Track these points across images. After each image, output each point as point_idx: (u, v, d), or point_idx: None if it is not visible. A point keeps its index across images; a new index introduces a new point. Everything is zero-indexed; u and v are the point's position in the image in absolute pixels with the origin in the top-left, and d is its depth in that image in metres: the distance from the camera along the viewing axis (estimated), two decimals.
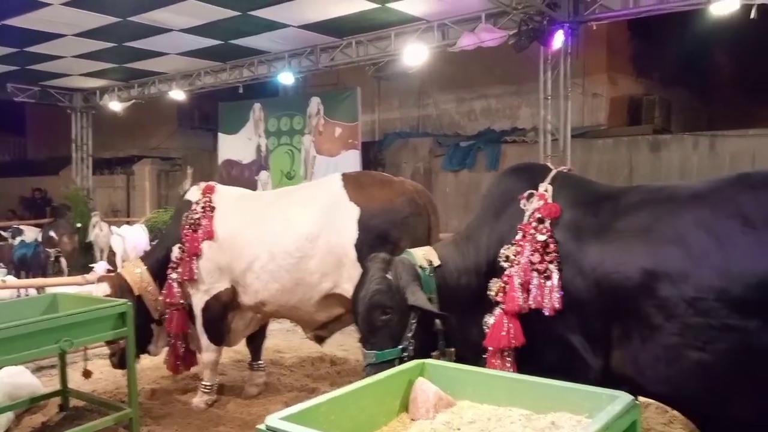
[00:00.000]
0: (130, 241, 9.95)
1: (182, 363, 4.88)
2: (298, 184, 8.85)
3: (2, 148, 22.99)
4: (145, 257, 5.06)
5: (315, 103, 11.21)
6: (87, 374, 4.43)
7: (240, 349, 5.47)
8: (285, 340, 6.66)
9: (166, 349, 4.95)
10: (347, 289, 3.95)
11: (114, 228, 10.76)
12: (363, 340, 3.12)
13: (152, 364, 5.26)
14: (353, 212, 4.29)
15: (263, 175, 11.96)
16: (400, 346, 2.98)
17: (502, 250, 3.06)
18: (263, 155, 12.03)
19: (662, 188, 2.95)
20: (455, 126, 12.12)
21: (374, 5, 8.07)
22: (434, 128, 12.28)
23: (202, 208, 4.71)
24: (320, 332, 4.67)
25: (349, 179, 4.51)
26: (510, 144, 10.86)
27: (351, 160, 10.46)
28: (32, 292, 6.11)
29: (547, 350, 2.96)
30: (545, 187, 3.09)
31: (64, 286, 6.06)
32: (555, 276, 2.88)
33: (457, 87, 12.09)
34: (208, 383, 4.82)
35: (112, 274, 4.89)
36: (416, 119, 12.60)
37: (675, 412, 3.23)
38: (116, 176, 17.24)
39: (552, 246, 2.93)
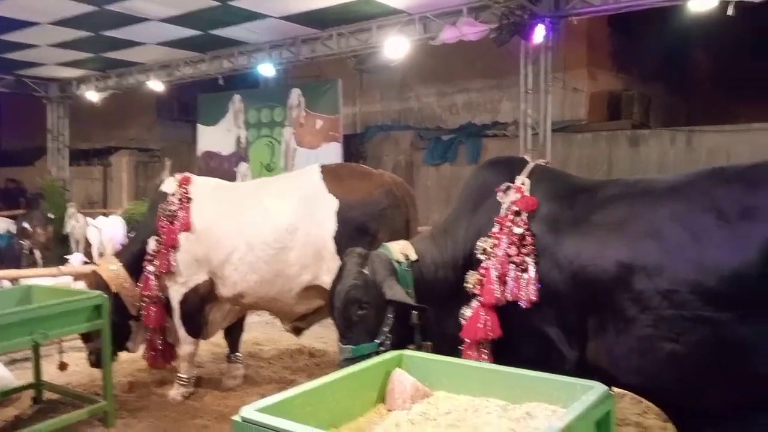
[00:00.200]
0: (106, 232, 9.82)
1: (161, 357, 4.84)
2: (276, 176, 8.80)
3: None
4: (120, 253, 4.99)
5: (296, 95, 11.13)
6: (62, 367, 4.38)
7: (218, 341, 5.43)
8: (264, 332, 6.64)
9: (145, 344, 4.90)
10: (326, 281, 3.94)
11: (90, 220, 10.62)
12: (339, 335, 3.13)
13: (129, 357, 5.21)
14: (332, 204, 4.27)
15: (243, 167, 11.86)
16: (377, 341, 2.98)
17: (479, 243, 3.07)
18: (243, 147, 11.93)
19: (638, 182, 2.98)
20: (437, 119, 12.12)
21: None
22: (416, 121, 12.28)
23: (179, 199, 4.65)
24: (298, 324, 4.66)
25: (327, 171, 4.50)
26: (491, 138, 10.90)
27: (332, 153, 10.41)
28: (6, 284, 6.01)
29: (524, 342, 2.99)
30: (522, 180, 3.11)
31: (38, 278, 5.97)
32: (531, 269, 2.90)
33: (439, 80, 12.10)
34: (184, 376, 4.78)
35: (89, 272, 4.81)
36: (398, 112, 12.59)
37: (649, 403, 3.27)
38: (93, 167, 17.00)
39: (529, 239, 2.95)
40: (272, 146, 11.45)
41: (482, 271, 3.03)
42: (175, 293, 4.63)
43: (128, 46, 10.47)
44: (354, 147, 12.01)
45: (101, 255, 9.74)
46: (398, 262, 3.17)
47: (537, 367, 2.51)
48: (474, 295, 3.05)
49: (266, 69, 10.37)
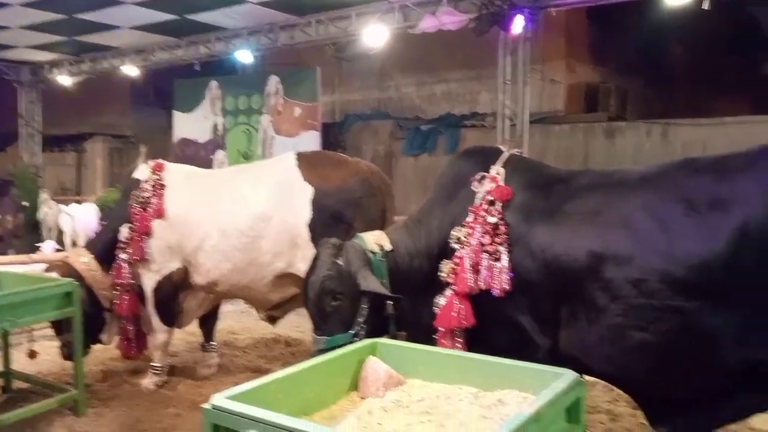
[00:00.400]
0: (80, 220, 9.67)
1: (134, 346, 4.78)
2: (251, 163, 8.71)
3: None
4: (91, 244, 4.89)
5: (274, 83, 11.02)
6: (32, 355, 4.30)
7: (193, 330, 5.39)
8: (239, 321, 6.60)
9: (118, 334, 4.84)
10: (301, 269, 3.91)
11: (63, 207, 10.44)
12: (314, 326, 3.13)
13: (101, 346, 5.14)
14: (307, 192, 4.25)
15: (220, 155, 11.73)
16: (351, 331, 2.98)
17: (453, 232, 3.08)
18: (220, 134, 11.80)
19: (611, 172, 3.01)
20: (416, 109, 12.10)
21: None
22: (395, 111, 12.24)
23: (153, 186, 4.59)
24: (273, 312, 4.64)
25: (302, 158, 4.47)
26: (470, 128, 10.92)
27: (310, 141, 10.34)
28: None
29: (497, 330, 3.01)
30: (497, 170, 3.12)
31: (8, 265, 5.85)
32: (505, 258, 2.91)
33: (418, 70, 12.06)
34: (158, 364, 4.73)
35: (60, 263, 4.72)
36: (377, 101, 12.53)
37: (621, 391, 3.32)
38: (66, 154, 16.69)
39: (502, 228, 2.96)
40: (250, 134, 11.34)
41: (456, 260, 3.04)
42: (149, 281, 4.57)
43: (102, 30, 10.27)
44: (333, 136, 11.94)
45: (74, 243, 9.60)
46: (373, 252, 3.17)
47: (510, 355, 2.53)
48: (448, 284, 3.06)
49: (244, 55, 10.25)
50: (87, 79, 12.66)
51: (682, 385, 2.71)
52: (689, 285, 2.51)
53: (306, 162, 4.44)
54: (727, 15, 10.12)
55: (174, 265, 4.54)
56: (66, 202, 11.26)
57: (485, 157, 3.22)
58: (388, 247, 3.23)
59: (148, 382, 4.69)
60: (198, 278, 4.53)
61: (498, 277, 2.92)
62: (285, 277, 4.33)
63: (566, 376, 2.23)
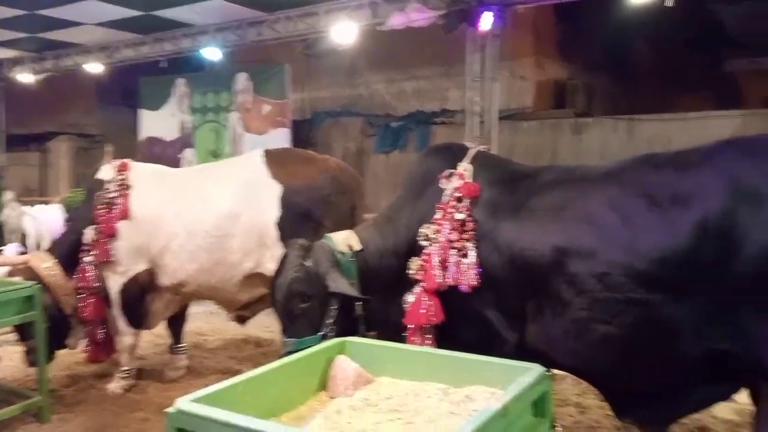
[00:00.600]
0: (44, 222, 9.43)
1: (102, 350, 4.68)
2: (218, 161, 8.62)
3: None
4: (54, 248, 4.76)
5: (242, 80, 10.90)
6: None
7: (160, 332, 5.31)
8: (208, 322, 6.52)
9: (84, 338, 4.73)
10: (269, 268, 3.88)
11: (27, 208, 10.17)
12: (282, 328, 3.11)
13: (67, 350, 5.03)
14: (275, 190, 4.21)
15: (188, 154, 11.57)
16: (320, 333, 2.97)
17: (421, 229, 3.09)
18: (188, 133, 11.63)
19: (575, 168, 3.05)
20: (386, 106, 12.09)
21: None
22: (365, 108, 12.21)
23: (118, 186, 4.50)
24: (243, 313, 4.60)
25: (270, 156, 4.43)
26: (440, 125, 10.96)
27: (280, 139, 10.26)
28: None
29: (466, 326, 3.02)
30: (465, 167, 3.13)
31: None
32: (472, 253, 2.93)
33: (388, 67, 12.05)
34: (125, 368, 4.65)
35: (23, 266, 4.59)
36: (347, 98, 12.47)
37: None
38: (30, 154, 16.27)
39: (470, 224, 2.98)
40: (218, 132, 11.21)
41: (425, 257, 3.05)
42: (114, 283, 4.48)
43: (66, 26, 10.03)
44: (303, 133, 11.87)
45: (39, 246, 9.36)
46: (341, 252, 3.16)
47: (479, 350, 2.54)
48: (417, 281, 3.07)
49: (211, 52, 10.11)
50: (51, 76, 12.36)
51: (645, 377, 2.76)
52: (651, 278, 2.56)
53: (274, 159, 4.40)
54: (690, 13, 10.32)
55: (140, 266, 4.46)
56: (31, 203, 10.98)
57: (452, 155, 3.23)
58: (357, 246, 3.23)
59: (114, 386, 4.60)
60: (165, 279, 4.46)
61: (466, 273, 2.93)
62: (254, 277, 4.29)
63: (533, 370, 2.25)
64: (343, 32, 8.73)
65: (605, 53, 11.91)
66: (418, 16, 7.93)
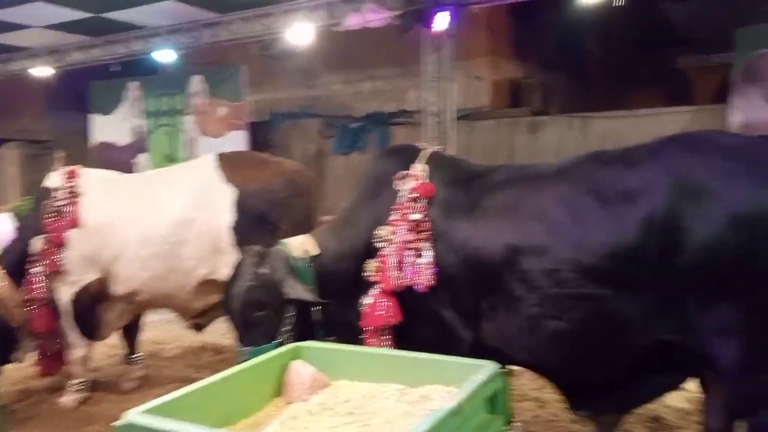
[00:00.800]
0: None
1: (53, 363, 4.53)
2: (171, 166, 8.47)
3: None
4: (1, 258, 4.55)
5: (197, 82, 10.74)
6: None
7: (115, 342, 5.17)
8: (165, 330, 6.37)
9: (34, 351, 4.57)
10: (225, 274, 3.82)
11: None
12: (238, 337, 3.08)
13: (18, 364, 4.86)
14: (229, 194, 4.15)
15: (142, 159, 11.33)
16: (277, 341, 2.95)
17: (377, 231, 3.08)
18: (142, 137, 11.40)
19: (527, 167, 3.09)
20: (345, 107, 12.05)
21: None
22: (324, 109, 12.15)
23: (67, 194, 4.36)
24: (199, 320, 4.52)
25: (224, 159, 4.37)
26: (399, 126, 10.98)
27: (237, 142, 10.13)
28: None
29: (423, 326, 3.03)
30: (420, 167, 3.14)
31: None
32: (428, 254, 2.94)
33: (346, 67, 12.01)
34: (78, 380, 4.52)
35: None
36: (305, 99, 12.38)
37: None
38: None
39: (426, 224, 2.99)
40: (173, 136, 11.01)
41: (381, 258, 3.04)
42: (65, 294, 4.34)
43: (13, 29, 9.71)
44: (261, 135, 11.73)
45: None
46: (298, 258, 3.14)
47: (436, 350, 2.56)
48: (374, 283, 3.06)
49: (165, 54, 9.92)
50: None
51: (597, 370, 2.81)
52: (600, 274, 2.60)
53: (228, 163, 4.34)
54: (641, 12, 10.58)
55: (91, 275, 4.33)
56: None
57: (407, 156, 3.24)
58: (314, 251, 3.21)
59: (67, 399, 4.47)
60: (117, 288, 4.34)
61: (422, 273, 2.94)
62: (208, 284, 4.22)
63: (487, 368, 2.28)
64: (300, 33, 8.68)
65: (560, 52, 12.13)
66: (374, 17, 7.93)
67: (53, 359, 4.51)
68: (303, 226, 3.73)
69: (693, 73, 12.40)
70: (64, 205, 4.32)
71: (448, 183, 3.10)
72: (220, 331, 5.56)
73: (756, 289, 2.45)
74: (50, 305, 4.37)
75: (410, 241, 2.99)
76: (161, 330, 6.35)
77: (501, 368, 2.33)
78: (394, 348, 2.98)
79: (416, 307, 2.98)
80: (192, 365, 5.29)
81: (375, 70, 11.75)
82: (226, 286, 3.16)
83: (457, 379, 2.26)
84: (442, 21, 7.68)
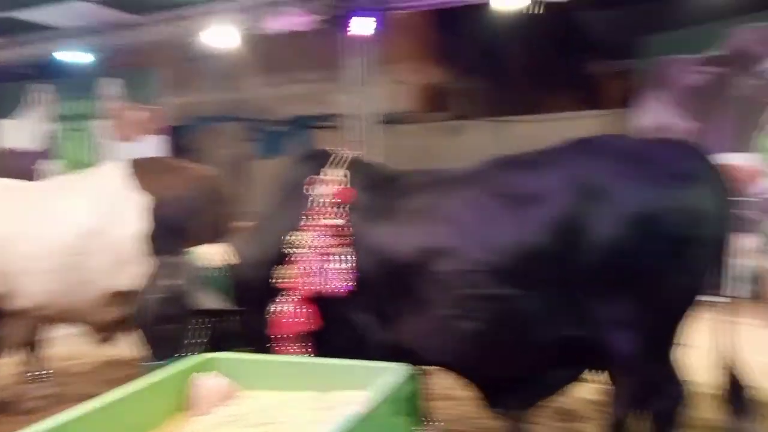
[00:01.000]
0: None
1: None
2: (77, 173, 8.12)
3: None
4: None
5: (111, 85, 10.34)
6: None
7: (21, 359, 4.88)
8: (73, 345, 6.06)
9: None
10: (136, 285, 3.68)
11: None
12: (149, 351, 2.99)
13: None
14: (140, 202, 4.00)
15: (50, 165, 10.79)
16: (188, 353, 2.87)
17: (294, 237, 3.05)
18: (52, 143, 10.85)
19: (439, 171, 3.16)
20: (267, 111, 11.90)
21: None
22: (247, 113, 11.96)
23: None
24: (108, 334, 4.33)
25: (136, 166, 4.21)
26: (322, 130, 10.94)
27: (154, 146, 9.82)
28: None
29: (341, 331, 3.02)
30: (337, 172, 3.14)
31: None
32: (345, 258, 2.94)
33: (270, 71, 11.85)
34: None
35: None
36: (228, 103, 12.14)
37: None
38: None
39: (343, 229, 2.99)
40: (86, 141, 10.54)
41: (299, 264, 3.02)
42: None
43: None
44: (181, 140, 11.41)
45: None
46: (212, 267, 3.07)
47: (354, 354, 2.56)
48: (290, 290, 3.03)
49: (78, 57, 9.49)
50: None
51: (508, 367, 2.91)
52: (509, 274, 2.70)
53: (140, 169, 4.19)
54: (558, 20, 10.97)
55: None
56: None
57: (323, 160, 3.23)
58: (229, 259, 3.14)
59: None
60: (19, 302, 4.10)
61: (340, 278, 2.94)
62: (118, 296, 4.04)
63: (398, 370, 2.29)
64: (222, 36, 8.50)
65: (483, 57, 12.41)
66: (298, 20, 7.88)
67: None
68: (219, 235, 3.65)
69: (605, 78, 12.97)
70: None
71: (365, 187, 3.12)
72: (130, 345, 5.38)
73: (649, 284, 2.60)
74: None
75: (329, 246, 2.98)
76: (68, 345, 6.04)
77: (413, 370, 2.35)
78: (314, 355, 2.97)
79: (334, 312, 2.97)
80: (103, 381, 5.04)
81: (299, 74, 11.66)
82: (137, 298, 3.06)
83: (368, 384, 2.27)
84: (365, 26, 7.71)
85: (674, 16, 8.04)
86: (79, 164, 10.47)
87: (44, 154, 10.89)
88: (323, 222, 2.98)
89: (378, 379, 2.23)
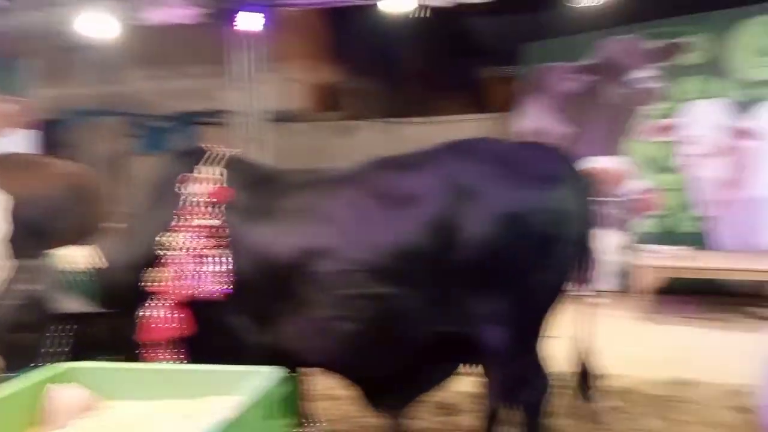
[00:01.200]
0: None
1: None
2: None
3: None
4: None
5: None
6: None
7: None
8: None
9: None
10: None
11: None
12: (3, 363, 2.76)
13: None
14: None
15: None
16: (46, 363, 2.68)
17: (166, 238, 2.92)
18: None
19: (319, 171, 3.14)
20: (150, 106, 11.38)
21: None
22: (128, 107, 11.37)
23: None
24: None
25: None
26: (210, 127, 10.63)
27: (23, 141, 9.08)
28: None
29: (216, 336, 2.94)
30: (213, 170, 3.04)
31: None
32: (221, 260, 2.86)
33: (155, 64, 11.32)
34: None
35: None
36: (108, 96, 11.47)
37: None
38: None
39: (219, 230, 2.90)
40: None
41: (171, 267, 2.89)
42: None
43: None
44: (54, 135, 10.65)
45: None
46: (77, 271, 2.88)
47: (231, 359, 2.47)
48: (162, 294, 2.90)
49: None
50: None
51: (386, 365, 2.95)
52: (387, 273, 2.73)
53: None
54: (448, 24, 11.29)
55: None
56: None
57: (198, 158, 3.11)
58: (97, 262, 2.96)
59: None
60: None
61: (216, 280, 2.85)
62: None
63: (271, 374, 2.26)
64: (99, 25, 8.02)
65: (376, 58, 12.54)
66: (181, 13, 7.58)
67: None
68: (87, 236, 3.43)
69: (492, 83, 13.52)
70: None
71: (244, 186, 3.04)
72: None
73: (517, 281, 2.73)
74: None
75: (204, 248, 2.88)
76: None
77: (287, 373, 2.32)
78: (186, 362, 2.87)
79: (209, 317, 2.88)
80: None
81: (185, 68, 11.24)
82: None
83: (239, 389, 2.22)
84: (253, 21, 7.56)
85: (553, 25, 8.51)
86: None
87: None
88: (197, 222, 2.88)
89: (249, 383, 2.18)
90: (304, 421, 3.30)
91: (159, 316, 2.85)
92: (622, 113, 8.01)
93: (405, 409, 3.30)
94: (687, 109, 7.71)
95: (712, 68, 7.55)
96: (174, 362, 2.84)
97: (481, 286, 2.74)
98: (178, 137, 10.78)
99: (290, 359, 2.89)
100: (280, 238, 2.86)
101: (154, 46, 10.27)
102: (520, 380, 2.85)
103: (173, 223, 2.89)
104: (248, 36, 7.88)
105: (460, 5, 7.24)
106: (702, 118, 7.65)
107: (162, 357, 2.85)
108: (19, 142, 8.99)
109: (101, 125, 11.25)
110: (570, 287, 2.92)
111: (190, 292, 2.84)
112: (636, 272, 7.05)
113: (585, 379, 3.06)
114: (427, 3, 7.60)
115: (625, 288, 7.48)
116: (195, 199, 2.92)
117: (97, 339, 2.90)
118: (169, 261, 2.85)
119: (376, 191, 2.83)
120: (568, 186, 2.82)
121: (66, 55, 10.89)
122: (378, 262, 2.72)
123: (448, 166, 2.82)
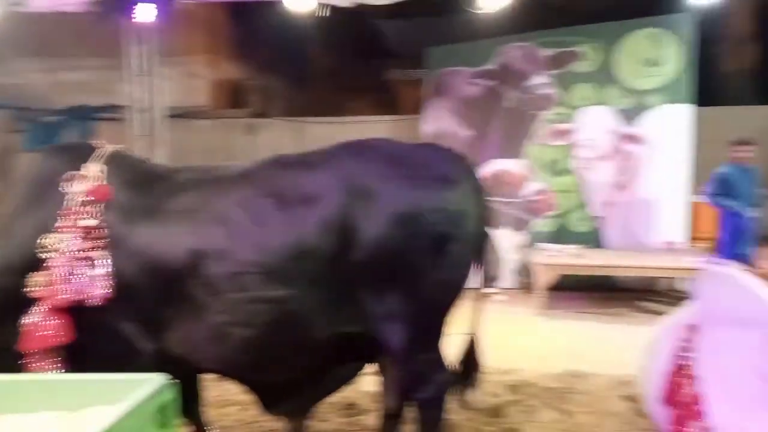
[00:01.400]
0: None
1: None
2: None
3: None
4: None
5: None
6: None
7: None
8: None
9: None
10: None
11: None
12: None
13: None
14: None
15: None
16: None
17: (43, 240, 2.73)
18: None
19: (211, 169, 3.03)
20: (41, 99, 10.64)
21: None
22: (13, 100, 10.57)
23: None
24: None
25: None
26: (105, 121, 10.09)
27: None
28: None
29: (100, 343, 2.78)
30: (95, 168, 2.87)
31: None
32: (103, 263, 2.71)
33: (45, 55, 10.59)
34: None
35: None
36: None
37: None
38: None
39: (100, 231, 2.74)
40: None
41: (48, 270, 2.70)
42: None
43: None
44: None
45: None
46: None
47: (116, 367, 2.34)
48: (40, 299, 2.71)
49: None
50: None
51: (285, 369, 2.90)
52: (282, 275, 2.68)
53: None
54: (356, 25, 11.32)
55: None
56: None
57: (79, 154, 2.93)
58: None
59: None
60: None
61: (97, 284, 2.69)
62: None
63: (152, 381, 2.16)
64: None
65: (282, 56, 12.37)
66: (67, 1, 7.12)
67: None
68: None
69: (399, 85, 13.70)
70: None
71: (127, 185, 2.89)
72: None
73: (414, 279, 2.76)
74: None
75: (83, 250, 2.71)
76: None
77: (170, 380, 2.22)
78: (68, 370, 2.69)
79: (91, 322, 2.72)
80: None
81: (80, 60, 10.60)
82: None
83: (121, 398, 2.10)
84: (146, 13, 7.23)
85: (456, 30, 8.72)
86: None
87: None
88: (76, 223, 2.71)
89: (131, 391, 2.08)
90: (199, 428, 3.19)
91: (40, 322, 2.66)
92: (521, 118, 8.32)
93: (306, 412, 3.25)
94: (580, 115, 8.12)
95: (603, 76, 8.00)
96: (57, 372, 2.65)
97: (379, 285, 2.73)
98: (72, 133, 10.14)
99: (185, 366, 2.78)
100: (163, 238, 2.74)
101: (46, 36, 9.64)
102: (420, 378, 2.88)
103: (56, 224, 2.71)
104: (147, 28, 7.55)
105: (361, 6, 7.26)
106: (593, 124, 8.09)
107: (43, 367, 2.66)
108: None
109: None
110: (469, 285, 2.98)
111: (68, 296, 2.67)
112: (533, 270, 7.35)
113: (468, 370, 3.12)
114: (327, 2, 7.58)
115: (524, 285, 7.78)
116: (85, 198, 2.75)
117: None
118: (50, 264, 2.66)
119: (271, 190, 2.76)
120: (463, 186, 2.88)
121: None
122: (272, 264, 2.66)
123: (344, 166, 2.80)
